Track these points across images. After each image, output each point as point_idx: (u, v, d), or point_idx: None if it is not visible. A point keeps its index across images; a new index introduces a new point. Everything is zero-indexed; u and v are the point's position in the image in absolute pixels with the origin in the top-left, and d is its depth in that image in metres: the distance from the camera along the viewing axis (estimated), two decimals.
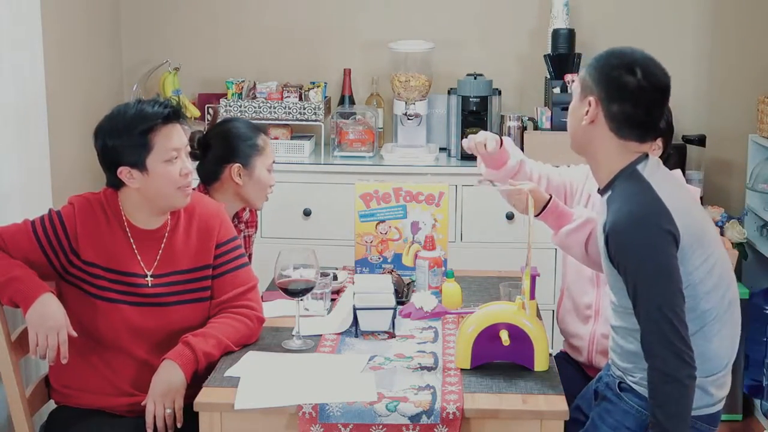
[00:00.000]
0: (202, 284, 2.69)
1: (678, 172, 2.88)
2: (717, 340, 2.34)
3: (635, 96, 2.31)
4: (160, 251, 2.65)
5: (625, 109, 2.32)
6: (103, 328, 2.60)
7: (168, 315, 2.64)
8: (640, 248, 2.24)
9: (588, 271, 2.89)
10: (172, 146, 2.59)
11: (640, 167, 2.34)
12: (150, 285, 2.62)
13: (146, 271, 2.63)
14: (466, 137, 2.69)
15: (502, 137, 2.94)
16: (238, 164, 3.06)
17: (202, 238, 2.70)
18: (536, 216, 2.70)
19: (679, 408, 2.21)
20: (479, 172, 4.16)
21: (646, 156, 2.37)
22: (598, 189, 2.42)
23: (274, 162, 3.18)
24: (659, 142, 2.80)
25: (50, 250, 2.59)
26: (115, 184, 2.63)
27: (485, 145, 2.85)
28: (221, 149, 3.08)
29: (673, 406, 2.21)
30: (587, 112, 2.35)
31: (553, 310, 4.13)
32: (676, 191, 2.35)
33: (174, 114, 2.60)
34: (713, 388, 2.36)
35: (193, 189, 2.76)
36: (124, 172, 2.58)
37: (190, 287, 2.67)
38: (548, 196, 2.71)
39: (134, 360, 2.62)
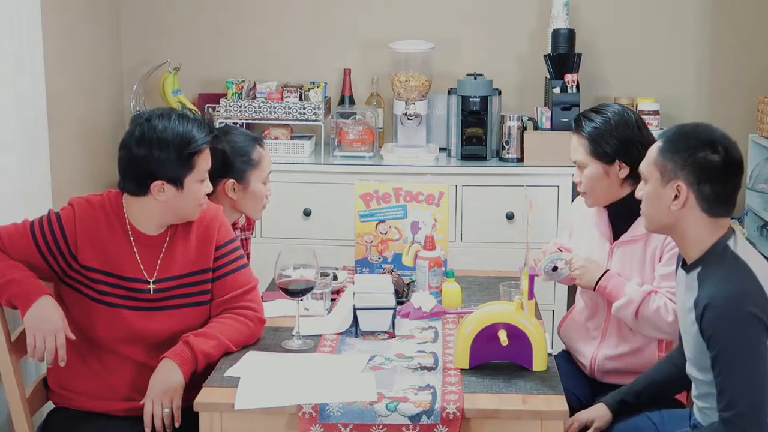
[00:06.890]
0: (203, 288, 2.68)
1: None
2: None
3: (725, 175, 2.33)
4: (161, 256, 2.65)
5: (716, 189, 2.32)
6: (102, 332, 2.60)
7: (168, 319, 2.63)
8: (735, 327, 2.23)
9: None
10: (207, 167, 2.64)
11: (731, 243, 2.34)
12: (152, 291, 2.63)
13: (147, 276, 2.62)
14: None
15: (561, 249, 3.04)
16: (232, 180, 3.01)
17: (201, 241, 2.69)
18: (593, 290, 2.87)
19: None
20: (480, 173, 4.19)
21: (733, 231, 2.37)
22: (683, 264, 2.42)
23: (271, 172, 3.12)
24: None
25: (49, 254, 2.59)
26: (134, 191, 2.59)
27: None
28: (215, 164, 2.89)
29: None
30: (675, 197, 2.33)
31: (553, 311, 4.14)
32: (766, 266, 2.36)
33: (214, 139, 2.68)
34: None
35: None
36: (157, 186, 2.56)
37: (190, 291, 2.67)
38: (602, 273, 2.84)
39: (133, 363, 2.61)
